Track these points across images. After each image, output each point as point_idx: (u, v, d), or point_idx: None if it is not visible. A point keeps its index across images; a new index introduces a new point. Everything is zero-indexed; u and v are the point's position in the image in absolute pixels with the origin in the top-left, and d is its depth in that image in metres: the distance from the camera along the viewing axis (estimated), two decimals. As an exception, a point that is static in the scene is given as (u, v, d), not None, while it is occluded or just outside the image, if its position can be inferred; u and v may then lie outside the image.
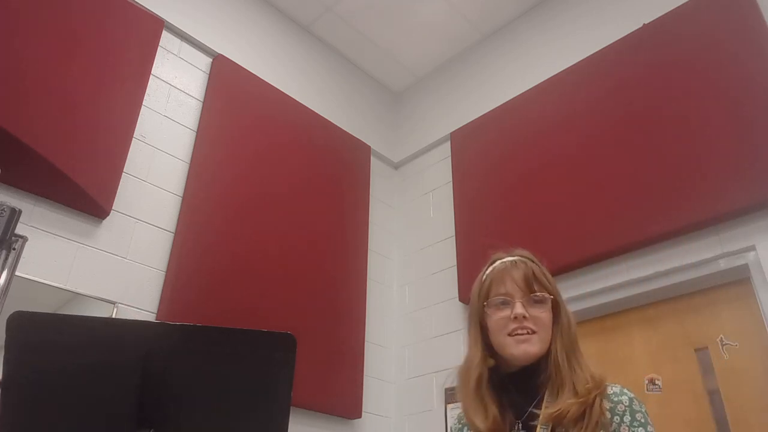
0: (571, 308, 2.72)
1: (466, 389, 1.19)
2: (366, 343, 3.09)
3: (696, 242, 2.34)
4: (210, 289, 2.54)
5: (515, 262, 1.23)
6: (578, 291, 2.63)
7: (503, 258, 1.27)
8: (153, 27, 2.78)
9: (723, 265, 2.29)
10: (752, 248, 2.22)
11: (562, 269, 2.68)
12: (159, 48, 2.79)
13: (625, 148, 2.63)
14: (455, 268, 3.12)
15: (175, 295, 2.44)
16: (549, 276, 1.23)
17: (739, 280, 2.29)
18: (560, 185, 2.81)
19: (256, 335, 1.00)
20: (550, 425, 1.09)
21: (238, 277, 2.65)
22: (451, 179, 3.40)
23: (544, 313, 1.17)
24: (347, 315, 3.06)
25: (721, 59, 2.47)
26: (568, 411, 1.07)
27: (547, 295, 1.18)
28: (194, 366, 0.96)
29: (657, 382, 2.37)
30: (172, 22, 2.91)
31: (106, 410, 0.93)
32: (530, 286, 1.18)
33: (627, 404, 1.12)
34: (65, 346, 0.92)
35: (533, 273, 1.19)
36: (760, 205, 2.20)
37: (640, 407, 1.14)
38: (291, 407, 0.99)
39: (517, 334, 1.15)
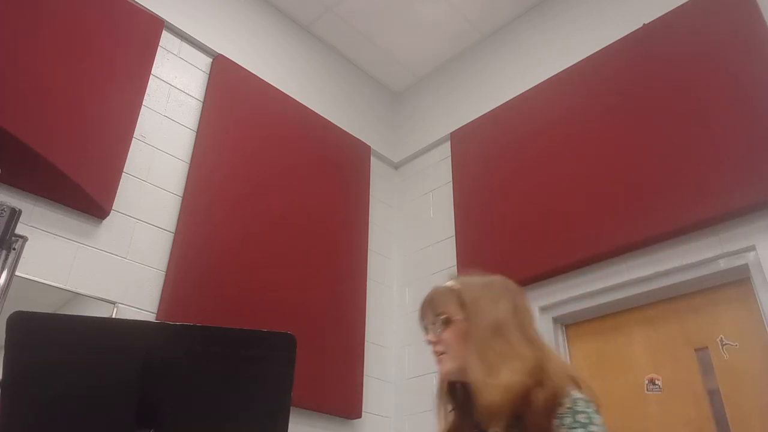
0: (572, 308, 2.75)
1: (437, 394, 1.32)
2: (366, 343, 3.09)
3: (696, 242, 2.34)
4: (210, 289, 2.54)
5: (429, 293, 1.34)
6: (578, 291, 2.63)
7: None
8: (153, 27, 2.78)
9: (723, 265, 2.29)
10: (752, 248, 2.22)
11: (562, 269, 2.68)
12: (159, 48, 2.79)
13: (625, 148, 2.63)
14: (455, 268, 3.12)
15: (175, 295, 2.44)
16: (465, 292, 1.29)
17: (739, 280, 2.29)
18: (560, 185, 2.81)
19: (256, 335, 1.00)
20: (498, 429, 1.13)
21: (237, 276, 2.65)
22: (451, 179, 3.40)
23: (448, 333, 1.26)
24: (347, 315, 3.06)
25: (721, 59, 2.47)
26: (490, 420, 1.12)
27: (445, 317, 1.27)
28: (194, 366, 0.96)
29: (657, 382, 2.37)
30: (172, 22, 2.91)
31: (106, 410, 0.93)
32: (434, 312, 1.29)
33: (570, 405, 1.11)
34: (65, 346, 0.92)
35: (434, 300, 1.30)
36: (760, 205, 2.20)
37: (586, 408, 1.11)
38: (291, 407, 0.99)
39: (435, 357, 1.28)
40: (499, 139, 3.22)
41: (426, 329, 1.32)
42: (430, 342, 1.28)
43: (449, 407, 1.27)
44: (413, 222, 3.61)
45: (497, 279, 1.35)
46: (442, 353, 1.26)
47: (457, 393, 1.28)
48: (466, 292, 1.29)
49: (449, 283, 1.34)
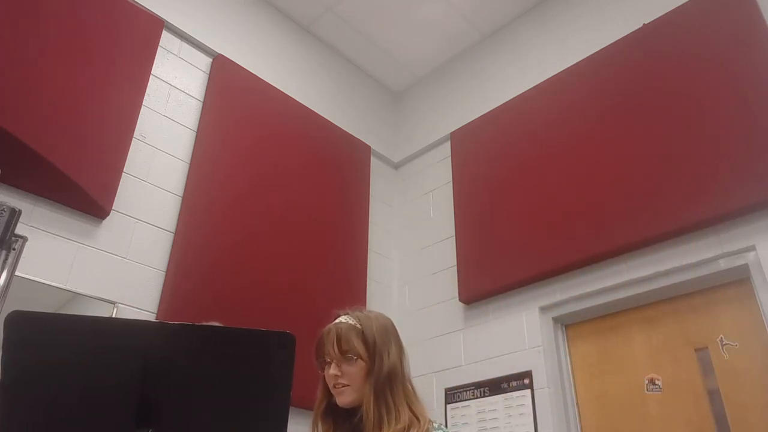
0: (572, 308, 2.76)
1: (314, 413, 1.47)
2: (366, 343, 3.09)
3: (696, 242, 2.34)
4: (210, 289, 2.54)
5: (330, 329, 1.44)
6: (578, 291, 2.63)
7: (332, 322, 1.48)
8: (153, 27, 2.78)
9: (723, 265, 2.29)
10: (752, 248, 2.22)
11: (562, 269, 2.68)
12: (159, 48, 2.79)
13: (625, 148, 2.63)
14: (455, 268, 3.12)
15: (175, 295, 2.44)
16: (367, 332, 1.42)
17: (739, 280, 2.29)
18: (560, 185, 2.81)
19: (255, 335, 1.00)
20: None
21: (237, 276, 2.65)
22: (451, 179, 3.40)
23: (353, 368, 1.39)
24: (347, 315, 3.05)
25: (721, 59, 2.47)
26: None
27: (351, 355, 1.39)
28: (194, 366, 0.96)
29: (657, 382, 2.37)
30: (172, 22, 2.91)
31: (105, 410, 0.93)
32: (340, 348, 1.40)
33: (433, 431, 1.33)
34: (64, 346, 0.92)
35: (341, 337, 1.41)
36: (760, 205, 2.20)
37: (445, 429, 1.35)
38: (291, 407, 0.99)
39: (336, 388, 1.40)
40: (499, 139, 3.22)
41: (325, 361, 1.42)
42: (330, 375, 1.40)
43: (321, 429, 1.43)
44: (413, 222, 3.61)
45: (386, 321, 1.51)
46: (345, 385, 1.39)
47: (328, 415, 1.44)
48: (367, 331, 1.43)
49: (350, 321, 1.44)
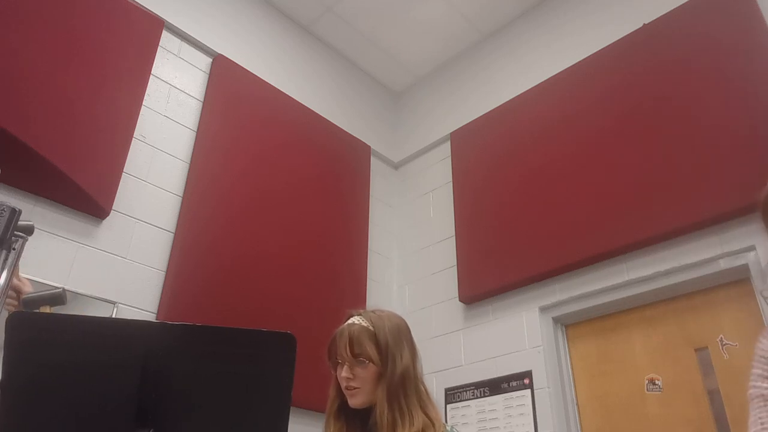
0: (572, 308, 2.75)
1: (326, 412, 1.48)
2: (366, 343, 3.09)
3: (696, 242, 2.35)
4: (210, 289, 2.54)
5: (343, 330, 1.45)
6: (578, 291, 2.63)
7: (345, 323, 1.48)
8: (153, 27, 2.78)
9: (723, 265, 2.29)
10: (752, 248, 2.22)
11: (562, 269, 2.68)
12: (159, 48, 2.79)
13: (624, 148, 2.63)
14: (455, 268, 3.12)
15: (175, 295, 2.44)
16: (380, 334, 1.40)
17: (739, 280, 2.29)
18: (560, 185, 2.81)
19: (256, 335, 1.00)
20: None
21: (238, 276, 2.65)
22: (451, 179, 3.40)
23: (365, 371, 1.39)
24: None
25: (721, 59, 2.47)
26: None
27: (363, 359, 1.39)
28: (194, 366, 0.96)
29: (657, 382, 2.37)
30: (172, 22, 2.91)
31: (105, 410, 0.93)
32: (352, 350, 1.40)
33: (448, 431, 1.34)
34: (65, 346, 0.92)
35: (354, 339, 1.40)
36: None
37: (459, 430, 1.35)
38: (291, 407, 0.99)
39: (347, 390, 1.40)
40: (499, 139, 3.22)
41: (337, 362, 1.43)
42: (342, 377, 1.40)
43: (333, 428, 1.42)
44: (413, 222, 3.61)
45: (400, 321, 1.48)
46: (356, 388, 1.38)
47: (340, 415, 1.43)
48: (380, 334, 1.41)
49: (363, 322, 1.43)
